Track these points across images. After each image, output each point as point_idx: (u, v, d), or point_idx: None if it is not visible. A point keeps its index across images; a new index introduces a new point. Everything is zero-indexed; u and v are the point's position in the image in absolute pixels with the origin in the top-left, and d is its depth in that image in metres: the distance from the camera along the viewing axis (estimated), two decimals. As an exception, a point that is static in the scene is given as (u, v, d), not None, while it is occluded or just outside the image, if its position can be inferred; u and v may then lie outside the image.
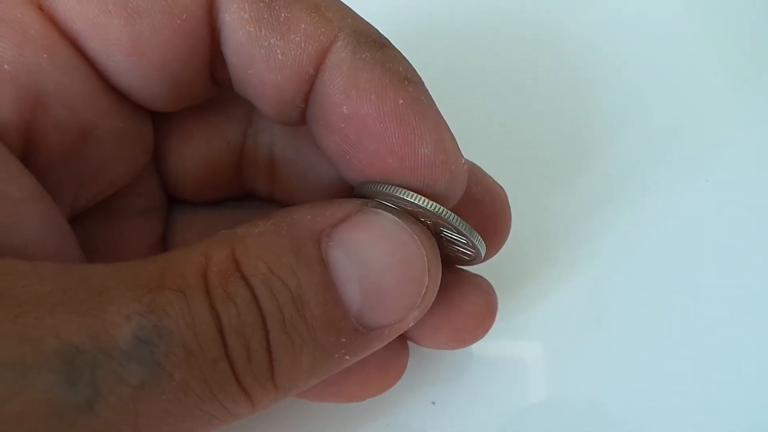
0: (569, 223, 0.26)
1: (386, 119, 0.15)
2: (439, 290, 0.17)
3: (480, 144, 0.22)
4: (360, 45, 0.15)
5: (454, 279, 0.20)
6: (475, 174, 0.20)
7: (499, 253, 0.21)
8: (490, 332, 0.23)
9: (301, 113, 0.16)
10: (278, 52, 0.15)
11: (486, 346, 0.24)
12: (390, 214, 0.15)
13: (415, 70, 0.16)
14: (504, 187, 0.21)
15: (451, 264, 0.19)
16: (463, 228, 0.16)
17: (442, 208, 0.15)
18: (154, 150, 0.19)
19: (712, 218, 0.25)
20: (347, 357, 0.15)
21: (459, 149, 0.16)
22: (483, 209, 0.19)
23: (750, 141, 0.27)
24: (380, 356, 0.19)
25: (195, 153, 0.19)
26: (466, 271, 0.20)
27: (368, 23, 0.16)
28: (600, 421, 0.23)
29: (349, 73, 0.15)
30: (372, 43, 0.15)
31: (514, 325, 0.24)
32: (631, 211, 0.26)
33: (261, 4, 0.15)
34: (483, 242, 0.17)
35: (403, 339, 0.20)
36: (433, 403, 0.24)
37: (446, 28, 0.28)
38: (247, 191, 0.21)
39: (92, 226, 0.18)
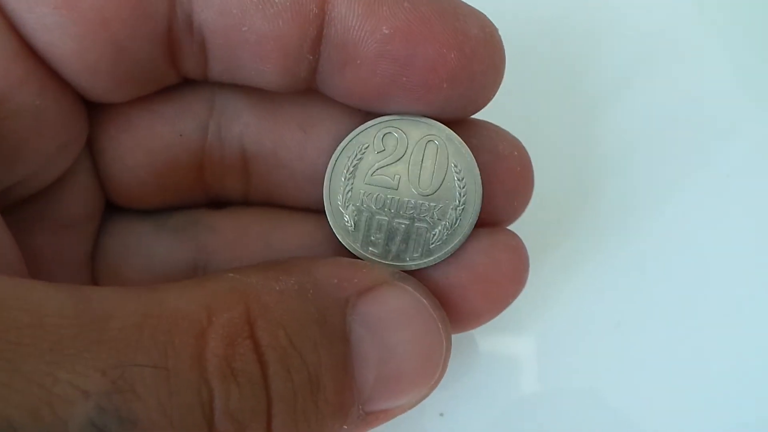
0: (586, 222, 0.25)
1: (430, 19, 0.14)
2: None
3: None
4: None
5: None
6: (497, 131, 0.18)
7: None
8: (502, 342, 0.23)
9: (310, 69, 0.15)
10: None
11: (495, 355, 0.23)
12: (416, 293, 0.14)
13: None
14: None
15: None
16: None
17: None
18: (88, 141, 0.16)
19: (734, 213, 0.24)
20: None
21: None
22: (512, 165, 0.18)
23: (770, 134, 0.25)
24: None
25: (139, 147, 0.16)
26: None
27: None
28: (614, 428, 0.23)
29: None
30: None
31: (526, 333, 0.23)
32: (651, 208, 0.25)
33: None
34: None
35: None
36: (441, 414, 0.23)
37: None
38: (212, 196, 0.18)
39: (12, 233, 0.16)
